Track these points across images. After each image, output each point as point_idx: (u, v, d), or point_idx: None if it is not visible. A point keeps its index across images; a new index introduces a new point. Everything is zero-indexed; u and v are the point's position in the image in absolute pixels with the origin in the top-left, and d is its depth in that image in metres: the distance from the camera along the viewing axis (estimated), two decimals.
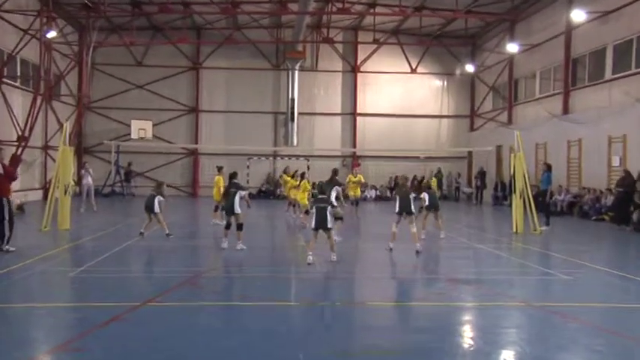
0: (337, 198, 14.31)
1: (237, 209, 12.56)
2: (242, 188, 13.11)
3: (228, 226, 12.88)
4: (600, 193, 21.39)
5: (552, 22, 26.28)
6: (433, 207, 15.03)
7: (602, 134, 21.83)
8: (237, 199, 12.60)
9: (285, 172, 21.55)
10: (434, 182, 19.53)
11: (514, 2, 28.52)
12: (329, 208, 11.15)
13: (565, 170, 24.23)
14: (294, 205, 19.90)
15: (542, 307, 7.97)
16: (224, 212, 13.65)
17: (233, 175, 13.08)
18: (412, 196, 12.88)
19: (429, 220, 15.27)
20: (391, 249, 12.50)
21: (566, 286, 9.61)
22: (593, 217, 20.88)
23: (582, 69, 24.62)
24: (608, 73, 22.53)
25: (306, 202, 17.38)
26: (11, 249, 11.83)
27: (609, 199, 20.26)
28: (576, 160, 23.86)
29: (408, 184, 13.45)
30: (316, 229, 10.99)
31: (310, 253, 10.87)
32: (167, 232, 14.18)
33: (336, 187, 14.66)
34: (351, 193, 20.67)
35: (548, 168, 18.65)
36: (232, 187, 12.83)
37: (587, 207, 21.69)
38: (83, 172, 22.87)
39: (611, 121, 21.39)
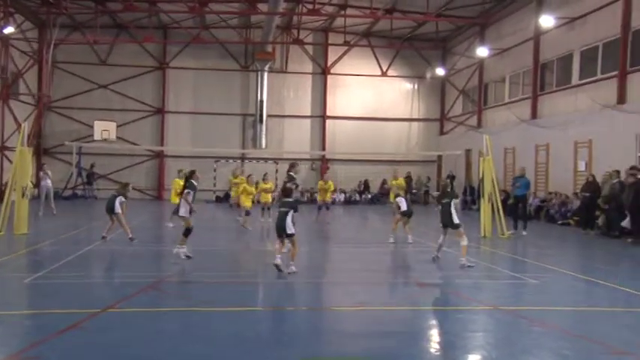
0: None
1: (182, 211, 11.75)
2: (192, 188, 11.83)
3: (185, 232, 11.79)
4: (567, 197, 21.83)
5: (522, 27, 26.77)
6: (409, 214, 15.08)
7: (568, 139, 22.31)
8: (182, 199, 11.81)
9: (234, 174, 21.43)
10: (399, 182, 19.43)
11: (484, 7, 28.97)
12: (291, 212, 10.29)
13: (533, 175, 24.65)
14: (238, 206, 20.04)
15: (509, 311, 8.08)
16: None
17: (190, 174, 12.14)
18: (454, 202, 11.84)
19: (399, 225, 15.30)
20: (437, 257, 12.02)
21: (533, 290, 9.76)
22: (560, 222, 21.30)
23: (550, 74, 25.13)
24: (575, 79, 23.04)
25: (249, 204, 18.11)
26: None
27: (575, 204, 20.69)
28: (544, 165, 24.32)
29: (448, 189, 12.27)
30: (277, 235, 10.39)
31: (278, 256, 10.42)
32: (130, 235, 13.93)
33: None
34: (319, 198, 20.91)
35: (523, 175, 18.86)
36: (186, 186, 11.97)
37: (554, 211, 22.11)
38: (42, 174, 22.29)
39: (577, 126, 21.87)
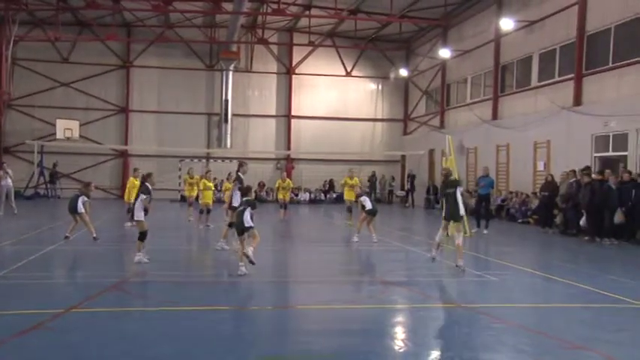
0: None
1: (137, 215, 11.26)
2: (147, 192, 11.34)
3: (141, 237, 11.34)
4: (526, 196, 22.31)
5: (483, 30, 27.23)
6: (374, 212, 15.15)
7: (528, 140, 22.79)
8: (138, 203, 11.30)
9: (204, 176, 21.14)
10: (355, 181, 19.64)
11: (447, 9, 29.36)
12: (248, 209, 10.19)
13: (494, 174, 25.11)
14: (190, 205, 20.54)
15: (470, 308, 8.21)
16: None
17: (146, 177, 11.68)
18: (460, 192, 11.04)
19: (364, 224, 15.39)
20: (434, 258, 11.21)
21: (493, 287, 9.95)
22: (520, 220, 21.75)
23: (510, 76, 25.62)
24: (534, 81, 23.54)
25: (210, 201, 18.49)
26: None
27: (535, 203, 21.16)
28: (504, 165, 24.79)
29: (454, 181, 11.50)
30: (238, 233, 10.32)
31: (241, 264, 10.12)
32: (94, 235, 13.71)
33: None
34: (280, 197, 20.96)
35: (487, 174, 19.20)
36: (140, 189, 11.54)
37: (514, 210, 22.57)
38: (2, 173, 21.77)
39: (536, 127, 22.36)
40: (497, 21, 25.22)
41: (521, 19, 23.75)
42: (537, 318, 7.95)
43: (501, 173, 24.97)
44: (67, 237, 13.61)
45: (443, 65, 31.31)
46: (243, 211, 10.26)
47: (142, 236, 11.26)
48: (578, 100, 20.48)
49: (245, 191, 10.85)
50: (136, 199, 11.47)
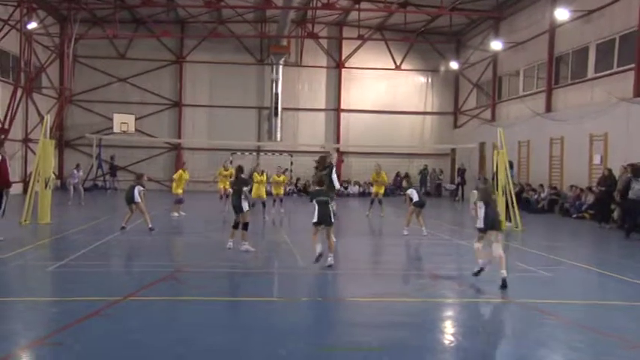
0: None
1: (244, 206, 11.66)
2: (247, 183, 12.06)
3: (235, 225, 11.86)
4: (581, 191, 21.63)
5: (536, 20, 26.47)
6: (421, 204, 15.08)
7: (583, 132, 22.06)
8: (242, 196, 11.71)
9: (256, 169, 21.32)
10: (382, 176, 19.95)
11: (499, 0, 28.68)
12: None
13: (547, 168, 24.48)
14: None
15: (522, 303, 8.04)
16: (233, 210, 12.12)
17: (240, 170, 12.24)
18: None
19: (413, 217, 15.25)
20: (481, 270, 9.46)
21: (546, 282, 9.68)
22: (574, 215, 21.11)
23: (565, 67, 24.84)
24: (590, 72, 22.75)
25: (261, 194, 18.67)
26: (0, 238, 11.96)
27: (590, 198, 20.50)
28: (558, 158, 24.10)
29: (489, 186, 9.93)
30: (318, 222, 10.22)
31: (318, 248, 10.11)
32: (150, 225, 14.09)
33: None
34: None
35: (511, 165, 18.75)
36: (238, 183, 11.98)
37: (569, 205, 21.92)
38: (75, 171, 23.67)
39: (592, 119, 21.62)
40: (551, 11, 24.44)
41: (577, 8, 22.98)
42: (592, 315, 7.68)
43: (555, 166, 24.28)
44: (123, 227, 14.12)
45: (494, 57, 30.60)
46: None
47: (246, 226, 11.67)
48: (638, 92, 19.69)
49: (321, 181, 11.19)
50: (239, 192, 11.71)
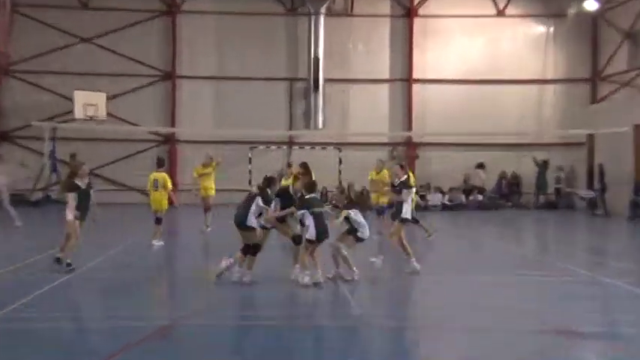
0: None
1: (252, 222, 13.05)
2: (269, 202, 13.29)
3: (245, 250, 13.12)
4: None
5: None
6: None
7: None
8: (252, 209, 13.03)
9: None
10: (382, 175, 20.42)
11: None
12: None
13: None
14: None
15: None
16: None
17: (269, 182, 13.51)
18: None
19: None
20: None
21: None
22: None
23: None
24: None
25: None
26: None
27: None
28: None
29: None
30: (319, 240, 12.35)
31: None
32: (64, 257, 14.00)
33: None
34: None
35: None
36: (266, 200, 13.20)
37: None
38: None
39: None
40: None
41: None
42: None
43: None
44: (58, 259, 14.17)
45: None
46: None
47: (256, 250, 13.14)
48: None
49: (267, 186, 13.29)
50: (248, 207, 13.11)
